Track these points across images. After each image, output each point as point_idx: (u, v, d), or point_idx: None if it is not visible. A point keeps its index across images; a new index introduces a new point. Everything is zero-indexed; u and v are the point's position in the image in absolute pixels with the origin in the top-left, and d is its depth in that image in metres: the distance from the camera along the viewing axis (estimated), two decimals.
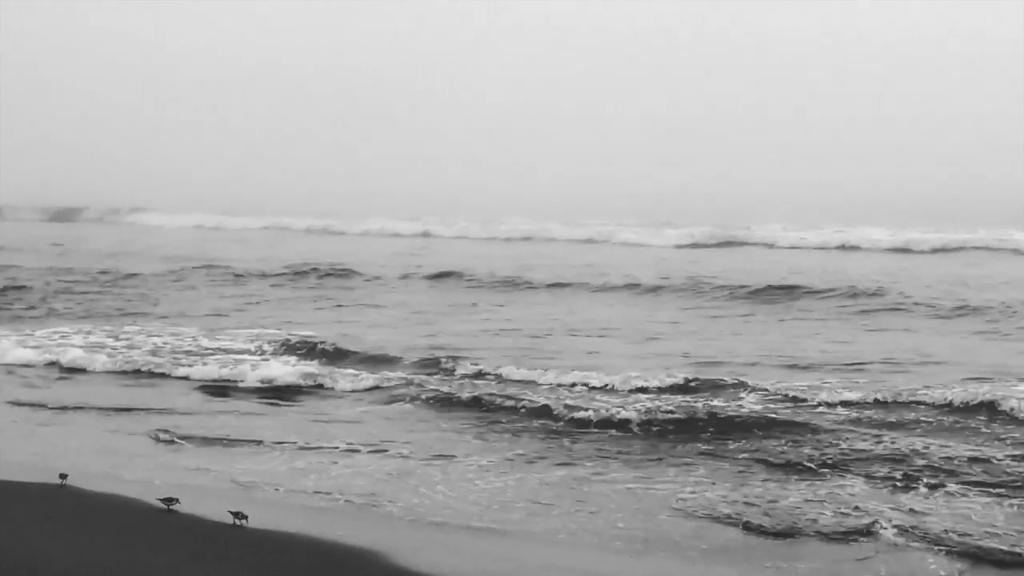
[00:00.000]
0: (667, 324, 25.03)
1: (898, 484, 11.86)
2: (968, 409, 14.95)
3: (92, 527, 10.08)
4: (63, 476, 11.44)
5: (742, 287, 30.02)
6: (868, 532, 10.28)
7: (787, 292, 28.77)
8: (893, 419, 14.78)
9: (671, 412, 15.03)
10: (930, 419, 14.73)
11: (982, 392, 15.69)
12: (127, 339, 22.31)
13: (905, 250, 45.27)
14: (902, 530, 10.26)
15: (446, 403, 16.42)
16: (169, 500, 10.61)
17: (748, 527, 10.57)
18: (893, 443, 13.47)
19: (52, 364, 20.15)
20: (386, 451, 13.71)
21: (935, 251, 44.67)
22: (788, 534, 10.38)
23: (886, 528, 10.31)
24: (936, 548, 9.84)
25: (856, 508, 11.03)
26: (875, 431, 14.19)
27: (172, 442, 14.22)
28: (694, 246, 50.88)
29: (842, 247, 47.04)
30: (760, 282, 30.68)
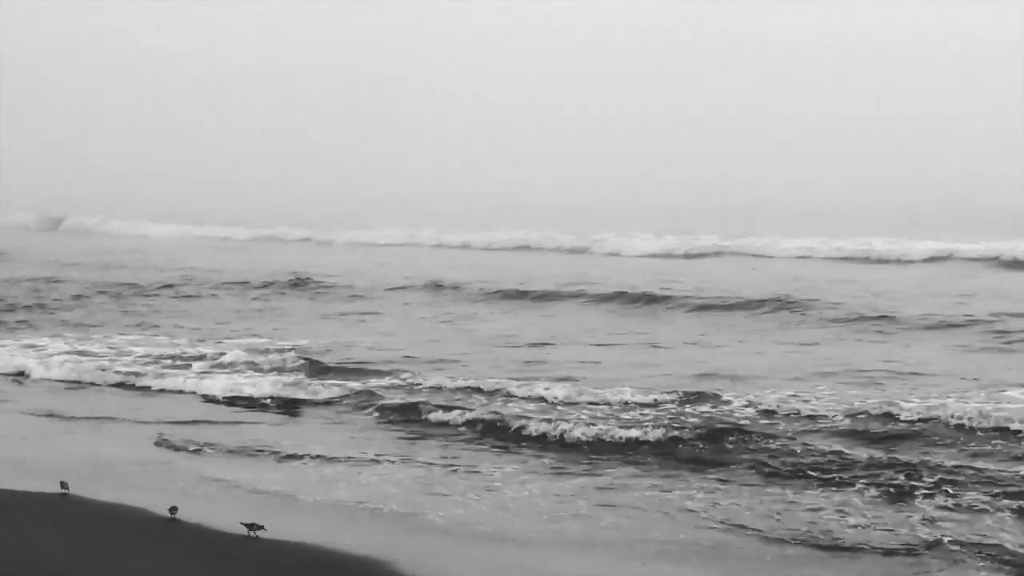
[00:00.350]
0: (665, 335, 25.04)
1: (905, 492, 12.02)
2: (962, 418, 15.04)
3: (93, 529, 10.22)
4: (64, 485, 11.51)
5: (739, 297, 30.07)
6: (925, 545, 10.39)
7: (784, 302, 28.77)
8: (889, 428, 14.93)
9: (672, 423, 15.18)
10: (925, 428, 14.86)
11: (975, 402, 15.89)
12: (117, 348, 22.39)
13: (900, 260, 45.38)
14: (951, 542, 10.41)
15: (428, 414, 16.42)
16: (173, 508, 10.72)
17: (782, 538, 10.66)
18: (892, 452, 13.66)
19: (46, 372, 20.22)
20: (382, 463, 13.86)
21: (929, 260, 44.74)
22: (829, 546, 10.48)
23: (945, 541, 10.43)
24: (982, 558, 10.03)
25: (878, 517, 11.25)
26: (873, 440, 14.39)
27: (178, 449, 14.36)
28: (687, 255, 50.95)
29: (838, 257, 47.12)
30: (758, 293, 30.65)
